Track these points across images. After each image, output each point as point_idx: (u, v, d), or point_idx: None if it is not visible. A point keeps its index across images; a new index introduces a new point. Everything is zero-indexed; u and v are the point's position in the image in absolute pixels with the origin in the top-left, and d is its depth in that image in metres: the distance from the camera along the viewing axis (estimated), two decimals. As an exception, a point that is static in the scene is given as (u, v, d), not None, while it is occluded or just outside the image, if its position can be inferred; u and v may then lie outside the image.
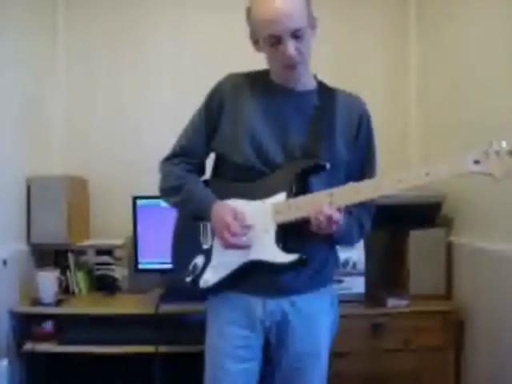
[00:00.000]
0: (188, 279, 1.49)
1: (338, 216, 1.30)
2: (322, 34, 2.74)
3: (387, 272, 2.55)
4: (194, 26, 2.74)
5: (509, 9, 1.98)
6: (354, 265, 2.30)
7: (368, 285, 2.33)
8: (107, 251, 2.54)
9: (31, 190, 2.39)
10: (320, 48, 2.74)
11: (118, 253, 2.53)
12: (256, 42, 1.41)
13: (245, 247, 1.38)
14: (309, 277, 1.44)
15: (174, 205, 1.53)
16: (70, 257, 2.50)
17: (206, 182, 1.55)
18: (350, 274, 2.31)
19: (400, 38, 2.81)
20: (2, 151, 2.22)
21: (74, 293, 2.48)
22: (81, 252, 2.53)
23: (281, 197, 1.39)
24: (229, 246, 1.37)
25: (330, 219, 1.29)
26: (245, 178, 1.43)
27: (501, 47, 2.03)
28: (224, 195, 1.44)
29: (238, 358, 1.44)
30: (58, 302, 2.29)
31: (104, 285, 2.50)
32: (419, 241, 2.35)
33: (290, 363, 1.47)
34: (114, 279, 2.50)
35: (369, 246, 2.34)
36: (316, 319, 1.47)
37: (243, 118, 1.43)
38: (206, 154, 1.55)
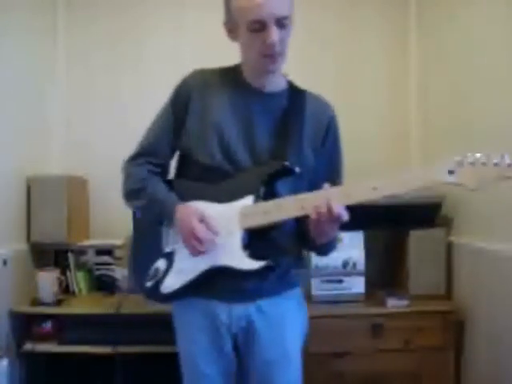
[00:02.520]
0: (148, 284, 1.41)
1: (344, 213, 1.23)
2: (323, 35, 2.79)
3: (387, 272, 2.55)
4: (194, 26, 2.74)
5: (509, 10, 1.97)
6: (354, 265, 2.30)
7: (368, 285, 2.33)
8: (107, 251, 2.54)
9: (31, 190, 2.40)
10: (320, 49, 2.79)
11: (117, 253, 2.53)
12: (231, 30, 1.36)
13: (210, 251, 1.32)
14: (275, 281, 1.40)
15: (137, 209, 1.47)
16: (70, 257, 2.50)
17: (169, 182, 1.48)
18: (349, 274, 2.31)
19: (400, 38, 2.81)
20: (2, 151, 2.22)
21: (74, 293, 2.48)
22: (81, 252, 2.54)
23: (248, 200, 1.33)
24: (196, 252, 1.32)
25: (332, 212, 1.22)
26: (210, 179, 1.38)
27: (501, 48, 2.03)
28: (188, 196, 1.38)
29: (213, 361, 1.41)
30: (58, 302, 2.29)
31: (104, 285, 2.50)
32: (419, 241, 2.36)
33: (258, 371, 1.41)
34: (114, 279, 2.50)
35: (369, 246, 2.35)
36: (283, 322, 1.43)
37: (211, 116, 1.38)
38: (172, 153, 1.49)
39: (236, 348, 1.44)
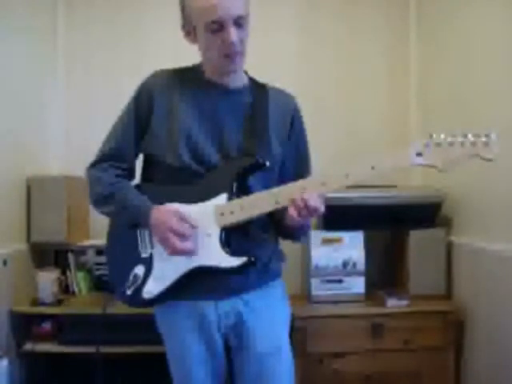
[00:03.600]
0: (129, 292, 1.39)
1: (320, 204, 1.26)
2: (323, 35, 2.79)
3: (387, 272, 2.56)
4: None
5: (508, 10, 1.98)
6: (354, 265, 2.30)
7: (368, 285, 2.33)
8: (107, 251, 2.54)
9: (31, 190, 2.40)
10: (320, 49, 2.79)
11: (118, 253, 2.53)
12: (189, 32, 1.37)
13: (192, 251, 1.31)
14: (257, 274, 1.40)
15: (108, 214, 1.45)
16: (70, 257, 2.51)
17: (137, 187, 1.44)
18: (349, 274, 2.31)
19: (400, 38, 2.81)
20: (2, 151, 2.22)
21: (74, 293, 2.48)
22: (81, 252, 2.54)
23: (222, 198, 1.32)
24: (176, 250, 1.29)
25: (309, 207, 1.24)
26: (179, 181, 1.36)
27: (500, 49, 2.03)
28: (159, 200, 1.35)
29: (204, 362, 1.41)
30: (58, 302, 2.29)
31: (104, 285, 2.50)
32: (419, 241, 2.36)
33: (254, 364, 1.40)
34: (114, 279, 2.50)
35: (369, 246, 2.35)
36: (271, 313, 1.44)
37: (176, 117, 1.37)
38: (136, 156, 1.46)
39: (226, 348, 1.43)
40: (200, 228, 1.32)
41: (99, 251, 2.54)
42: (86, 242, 2.54)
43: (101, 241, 2.55)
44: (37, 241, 2.41)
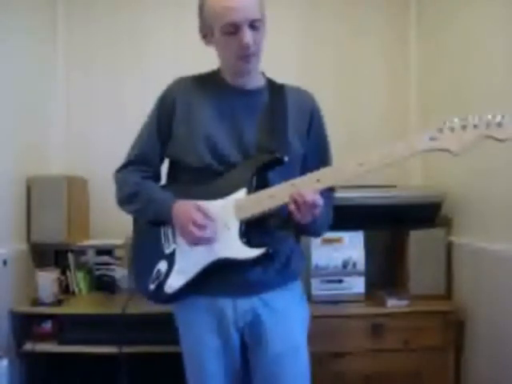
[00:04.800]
0: (152, 286, 1.43)
1: (318, 198, 1.29)
2: (323, 35, 2.79)
3: (387, 272, 2.55)
4: (194, 26, 2.73)
5: (508, 10, 1.98)
6: (354, 265, 2.30)
7: (368, 285, 2.33)
8: (107, 251, 2.54)
9: (31, 190, 2.40)
10: (320, 48, 2.79)
11: (118, 253, 2.53)
12: (206, 35, 1.44)
13: (211, 240, 1.35)
14: (276, 271, 1.43)
15: (134, 212, 1.50)
16: (70, 257, 2.50)
17: (162, 187, 1.51)
18: (349, 274, 2.31)
19: (400, 39, 2.81)
20: (2, 151, 2.22)
21: (74, 293, 2.48)
22: (81, 252, 2.54)
23: (241, 193, 1.37)
24: (195, 239, 1.34)
25: (309, 203, 1.28)
26: (201, 180, 1.41)
27: (500, 49, 2.03)
28: (182, 198, 1.40)
29: (220, 359, 1.43)
30: (58, 302, 2.29)
31: (104, 285, 2.50)
32: (419, 241, 2.35)
33: (269, 364, 1.43)
34: (114, 279, 2.50)
35: (369, 246, 2.35)
36: (290, 315, 1.46)
37: (196, 120, 1.43)
38: (161, 161, 1.53)
39: (242, 344, 1.45)
40: (220, 222, 1.37)
41: (99, 251, 2.54)
42: (86, 242, 2.54)
43: (101, 241, 2.57)
44: (37, 241, 2.41)
